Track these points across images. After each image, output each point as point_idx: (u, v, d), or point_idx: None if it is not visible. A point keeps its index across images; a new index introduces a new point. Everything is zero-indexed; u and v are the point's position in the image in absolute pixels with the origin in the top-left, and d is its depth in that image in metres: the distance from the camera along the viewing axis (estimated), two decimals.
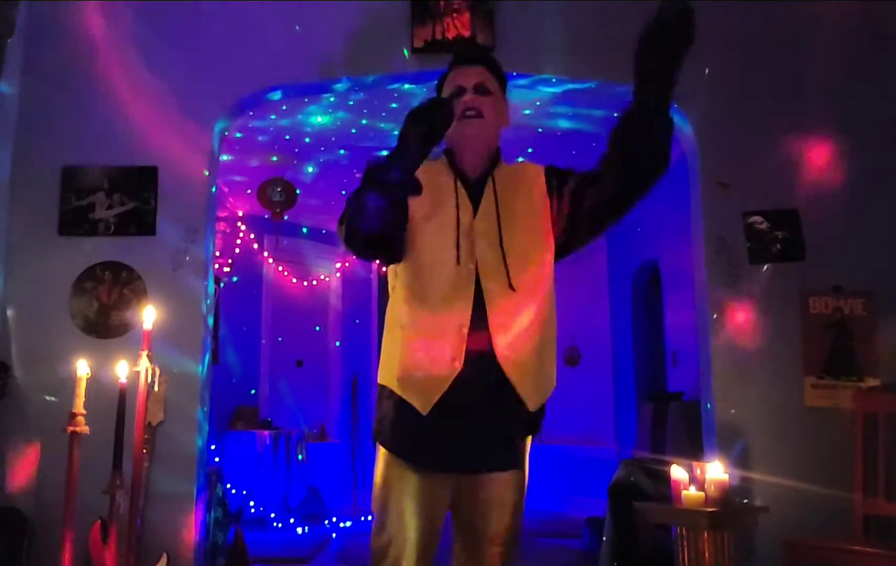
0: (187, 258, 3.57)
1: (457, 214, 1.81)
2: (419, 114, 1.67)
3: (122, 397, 2.79)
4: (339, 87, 3.94)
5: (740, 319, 3.52)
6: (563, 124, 5.49)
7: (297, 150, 6.02)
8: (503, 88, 1.99)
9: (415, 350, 1.77)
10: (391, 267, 1.92)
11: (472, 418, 1.74)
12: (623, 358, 7.35)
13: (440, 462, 1.76)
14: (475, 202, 1.84)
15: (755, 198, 3.59)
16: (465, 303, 1.75)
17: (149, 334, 2.86)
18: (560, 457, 7.47)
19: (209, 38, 3.75)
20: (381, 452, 1.84)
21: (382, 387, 1.87)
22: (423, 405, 1.74)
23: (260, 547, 5.16)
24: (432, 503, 1.78)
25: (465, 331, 1.74)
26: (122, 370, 2.85)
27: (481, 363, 1.74)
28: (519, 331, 1.77)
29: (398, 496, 1.76)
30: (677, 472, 2.98)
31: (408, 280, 1.82)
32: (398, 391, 1.79)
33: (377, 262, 1.93)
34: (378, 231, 1.70)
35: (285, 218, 6.67)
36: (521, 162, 2.01)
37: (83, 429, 2.70)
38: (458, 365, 1.73)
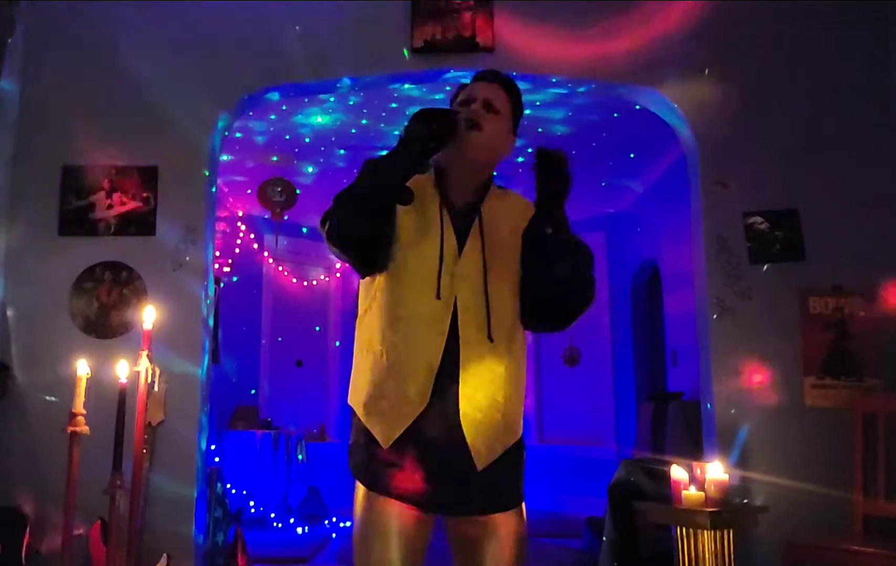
0: (187, 258, 3.57)
1: (441, 246, 1.73)
2: (426, 116, 1.62)
3: (122, 397, 2.79)
4: (339, 86, 3.94)
5: (740, 319, 3.52)
6: (562, 126, 5.49)
7: (297, 150, 6.03)
8: (515, 118, 1.87)
9: (383, 379, 1.70)
10: (365, 287, 1.83)
11: (434, 459, 1.67)
12: (623, 358, 7.35)
13: (409, 498, 1.69)
14: (460, 236, 1.76)
15: (755, 198, 3.59)
16: (440, 340, 1.68)
17: (149, 334, 2.86)
18: (560, 457, 7.47)
19: (209, 38, 3.75)
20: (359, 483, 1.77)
21: (352, 409, 1.80)
22: (384, 438, 1.68)
23: (260, 547, 5.16)
24: (415, 536, 1.71)
25: (435, 368, 1.67)
26: (122, 370, 2.85)
27: (445, 407, 1.67)
28: (488, 386, 1.71)
29: (379, 520, 1.70)
30: (677, 472, 2.98)
31: (385, 305, 1.74)
32: (362, 417, 1.74)
33: (353, 267, 1.83)
34: (360, 235, 1.65)
35: (285, 218, 6.67)
36: (512, 195, 1.88)
37: (83, 429, 2.70)
38: (424, 401, 1.66)
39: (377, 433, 1.70)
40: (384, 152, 1.67)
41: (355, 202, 1.63)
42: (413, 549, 1.71)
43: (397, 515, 1.69)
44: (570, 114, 5.29)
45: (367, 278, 1.82)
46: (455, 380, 1.68)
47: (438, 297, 1.70)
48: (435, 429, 1.67)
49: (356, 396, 1.79)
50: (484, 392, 1.71)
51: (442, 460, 1.68)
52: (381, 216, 1.65)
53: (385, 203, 1.64)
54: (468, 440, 1.68)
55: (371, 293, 1.79)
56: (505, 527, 1.74)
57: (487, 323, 1.72)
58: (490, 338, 1.72)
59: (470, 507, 1.72)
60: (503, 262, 1.78)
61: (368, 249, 1.70)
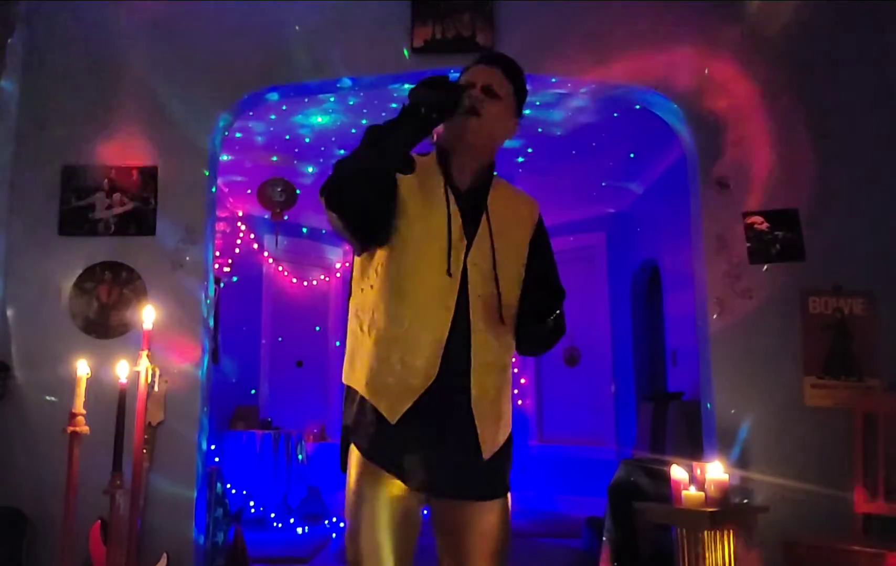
0: (187, 258, 3.57)
1: (448, 222, 1.73)
2: (430, 83, 1.60)
3: (122, 397, 2.79)
4: (339, 86, 3.94)
5: (740, 319, 3.52)
6: (562, 126, 5.48)
7: (296, 150, 6.03)
8: (518, 100, 1.87)
9: (389, 354, 1.69)
10: (362, 264, 1.81)
11: (440, 440, 1.67)
12: (623, 358, 7.35)
13: (411, 478, 1.67)
14: (465, 216, 1.76)
15: (755, 198, 3.59)
16: (447, 315, 1.69)
17: (149, 334, 2.86)
18: (560, 457, 7.48)
19: (209, 38, 3.75)
20: (354, 458, 1.74)
21: (349, 388, 1.79)
22: (391, 413, 1.67)
23: (260, 547, 5.16)
24: (407, 515, 1.70)
25: (443, 343, 1.67)
26: (122, 370, 2.85)
27: (453, 389, 1.68)
28: (497, 374, 1.74)
29: (371, 506, 1.68)
30: (677, 472, 2.98)
31: (390, 278, 1.72)
32: (366, 395, 1.71)
33: (350, 239, 1.76)
34: (360, 201, 1.61)
35: (285, 218, 6.67)
36: (519, 194, 1.91)
37: (83, 429, 2.70)
38: (432, 376, 1.66)
39: (383, 408, 1.69)
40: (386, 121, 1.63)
41: (356, 168, 1.59)
42: (405, 521, 1.70)
43: (390, 487, 1.68)
44: (569, 114, 5.29)
45: (365, 254, 1.80)
46: (463, 362, 1.69)
47: (449, 274, 1.70)
48: (442, 409, 1.68)
49: (357, 375, 1.77)
50: (493, 380, 1.73)
51: (447, 443, 1.68)
52: (382, 183, 1.62)
53: (386, 170, 1.60)
54: (478, 428, 1.69)
55: (372, 266, 1.76)
56: (491, 514, 1.76)
57: (499, 307, 1.73)
58: (502, 320, 1.73)
59: (465, 493, 1.73)
60: (510, 256, 1.79)
61: (368, 218, 1.68)
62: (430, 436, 1.67)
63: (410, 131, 1.59)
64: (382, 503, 1.68)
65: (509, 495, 1.81)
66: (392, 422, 1.67)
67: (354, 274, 1.85)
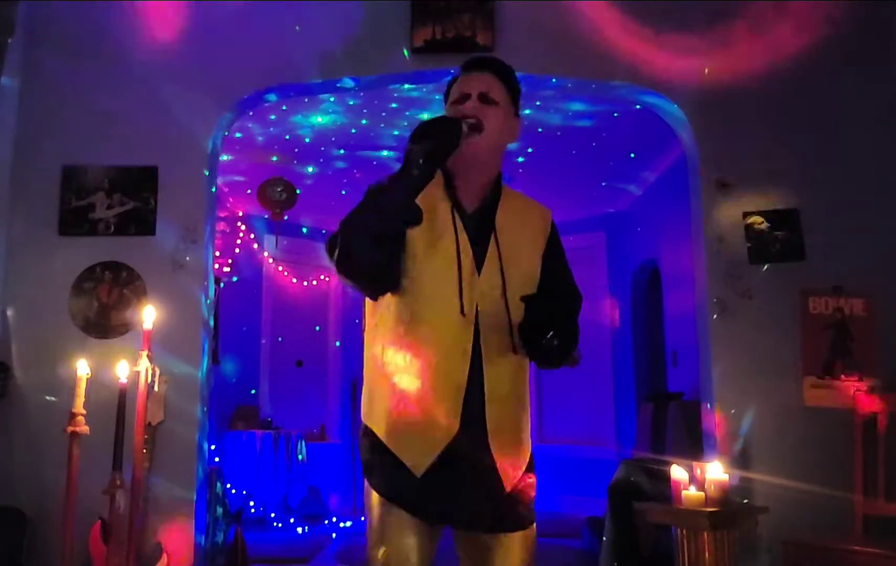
0: (187, 258, 3.57)
1: (458, 257, 1.67)
2: (426, 130, 1.53)
3: (122, 397, 2.79)
4: (340, 86, 3.94)
5: (740, 319, 3.52)
6: (562, 126, 5.48)
7: (297, 150, 6.03)
8: (514, 100, 1.80)
9: (408, 405, 1.65)
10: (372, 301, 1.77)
11: (462, 482, 1.65)
12: (623, 358, 7.35)
13: (434, 517, 1.68)
14: (474, 242, 1.71)
15: (755, 198, 3.59)
16: (465, 359, 1.65)
17: (149, 334, 2.87)
18: (560, 457, 7.47)
19: (209, 38, 3.75)
20: (374, 495, 1.72)
21: (368, 428, 1.74)
22: (416, 466, 1.64)
23: (260, 547, 5.16)
24: (429, 543, 1.70)
25: (463, 388, 1.64)
26: (122, 370, 2.85)
27: (473, 427, 1.65)
28: (512, 405, 1.72)
29: (395, 544, 1.66)
30: (677, 472, 2.98)
31: (403, 322, 1.67)
32: (387, 443, 1.68)
33: (364, 293, 1.74)
34: (371, 262, 1.57)
35: (285, 218, 6.67)
36: (528, 203, 1.85)
37: (83, 429, 2.70)
38: (456, 426, 1.63)
39: (406, 459, 1.65)
40: (387, 177, 1.59)
41: (363, 231, 1.54)
42: (426, 548, 1.70)
43: (414, 527, 1.66)
44: (569, 114, 5.29)
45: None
46: (480, 399, 1.66)
47: (463, 314, 1.65)
48: (464, 449, 1.65)
49: (376, 418, 1.73)
50: (509, 412, 1.71)
51: (470, 482, 1.66)
52: (391, 244, 1.58)
53: (394, 230, 1.56)
54: (497, 463, 1.67)
55: (384, 302, 1.72)
56: (516, 544, 1.73)
57: (510, 337, 1.69)
58: (514, 349, 1.69)
59: (491, 527, 1.71)
60: (522, 276, 1.74)
61: (380, 276, 1.64)
62: (453, 479, 1.65)
63: (415, 181, 1.53)
64: (405, 540, 1.66)
65: (534, 526, 1.78)
66: (418, 476, 1.64)
67: (367, 305, 1.80)
